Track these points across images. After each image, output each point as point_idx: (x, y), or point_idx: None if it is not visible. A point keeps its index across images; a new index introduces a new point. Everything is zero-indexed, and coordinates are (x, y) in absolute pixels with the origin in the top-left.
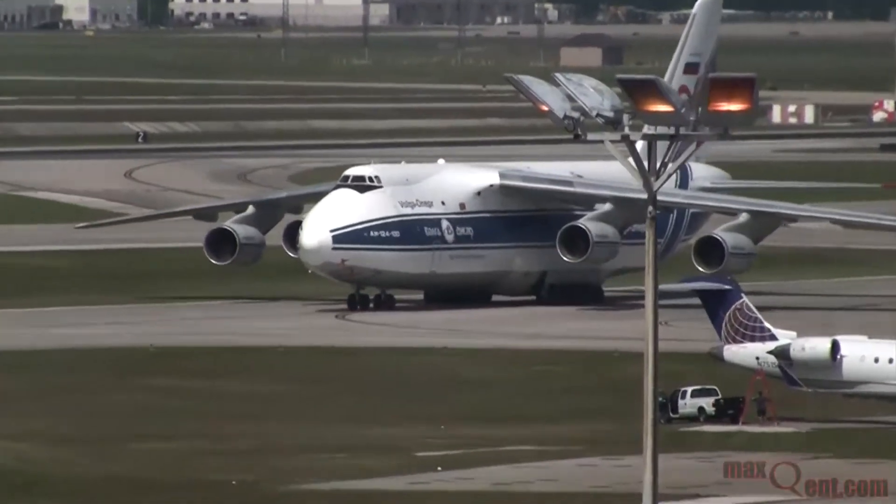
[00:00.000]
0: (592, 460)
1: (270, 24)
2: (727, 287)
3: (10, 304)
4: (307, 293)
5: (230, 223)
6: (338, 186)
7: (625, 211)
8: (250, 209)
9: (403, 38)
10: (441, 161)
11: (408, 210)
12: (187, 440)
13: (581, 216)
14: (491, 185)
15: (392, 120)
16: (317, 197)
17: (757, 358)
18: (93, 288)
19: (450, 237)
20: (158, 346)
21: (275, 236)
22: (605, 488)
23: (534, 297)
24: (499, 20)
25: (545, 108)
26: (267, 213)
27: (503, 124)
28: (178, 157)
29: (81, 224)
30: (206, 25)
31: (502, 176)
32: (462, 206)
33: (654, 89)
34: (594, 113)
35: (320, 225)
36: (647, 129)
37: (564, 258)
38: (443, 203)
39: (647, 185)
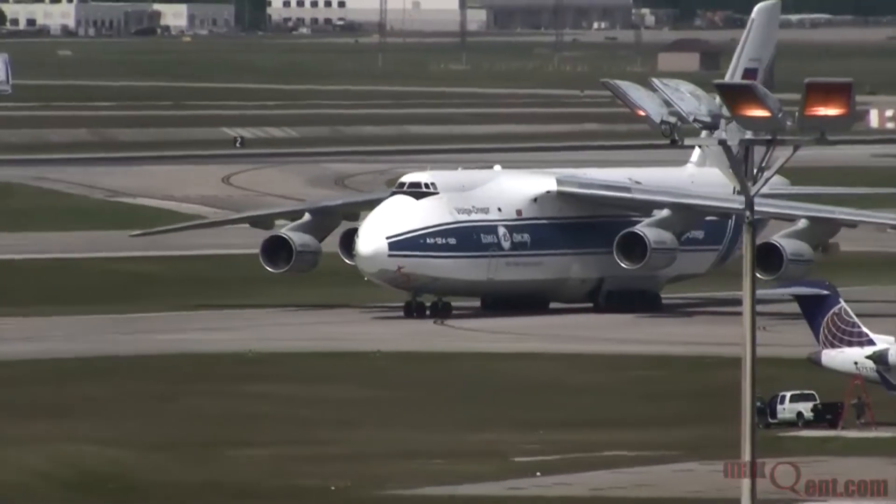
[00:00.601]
0: (690, 465)
1: (368, 30)
2: (825, 292)
3: (105, 309)
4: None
5: (286, 231)
6: (393, 193)
7: (683, 217)
8: (306, 216)
9: (500, 43)
10: (497, 167)
11: (464, 217)
12: (283, 446)
13: (639, 222)
14: (548, 192)
15: (489, 125)
16: (373, 204)
17: (855, 363)
18: (185, 293)
19: (506, 244)
20: (254, 351)
21: (331, 243)
22: (702, 493)
23: (591, 305)
24: (596, 25)
25: (642, 113)
26: (323, 221)
27: (600, 129)
28: (276, 162)
29: (136, 232)
30: (303, 31)
31: (559, 182)
32: (519, 212)
33: (751, 94)
34: (691, 118)
35: (376, 232)
36: (743, 134)
37: (622, 265)
38: (499, 209)
39: (745, 190)
